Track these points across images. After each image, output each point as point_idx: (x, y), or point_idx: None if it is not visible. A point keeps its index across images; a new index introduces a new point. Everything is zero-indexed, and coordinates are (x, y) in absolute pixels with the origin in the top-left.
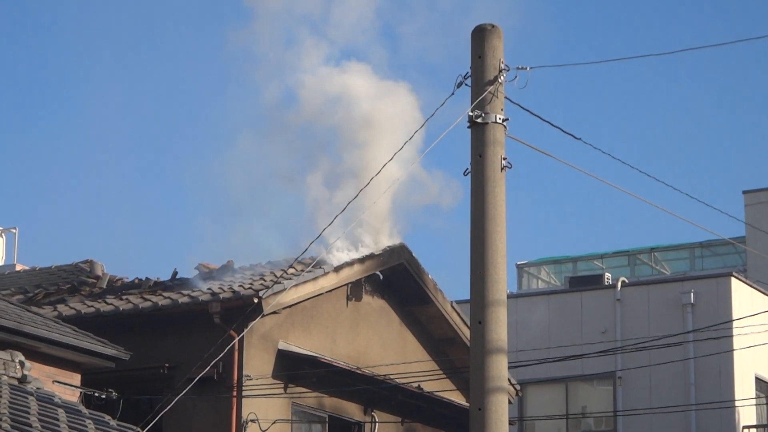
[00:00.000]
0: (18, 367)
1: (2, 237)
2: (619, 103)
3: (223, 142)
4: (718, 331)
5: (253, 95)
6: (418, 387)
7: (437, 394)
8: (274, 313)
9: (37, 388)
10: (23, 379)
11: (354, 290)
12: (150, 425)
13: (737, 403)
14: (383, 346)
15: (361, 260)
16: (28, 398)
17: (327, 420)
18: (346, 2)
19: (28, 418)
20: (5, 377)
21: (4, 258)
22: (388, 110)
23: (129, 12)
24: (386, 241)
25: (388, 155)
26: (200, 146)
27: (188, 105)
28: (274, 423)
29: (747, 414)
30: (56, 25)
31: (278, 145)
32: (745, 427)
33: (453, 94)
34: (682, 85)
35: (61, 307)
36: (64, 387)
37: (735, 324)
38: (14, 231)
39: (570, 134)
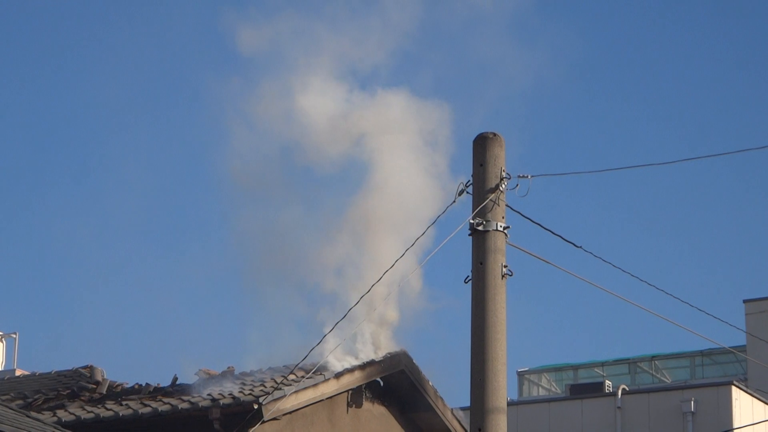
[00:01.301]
0: None
1: (2, 342)
2: (621, 210)
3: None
4: None
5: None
6: None
7: None
8: (274, 419)
9: None
10: None
11: (354, 397)
12: None
13: None
14: None
15: (362, 367)
16: None
17: None
18: None
19: None
20: None
21: (3, 363)
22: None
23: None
24: (386, 347)
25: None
26: (203, 243)
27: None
28: None
29: None
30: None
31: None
32: None
33: (455, 201)
34: (683, 192)
35: (60, 413)
36: None
37: None
38: (14, 336)
39: (571, 242)
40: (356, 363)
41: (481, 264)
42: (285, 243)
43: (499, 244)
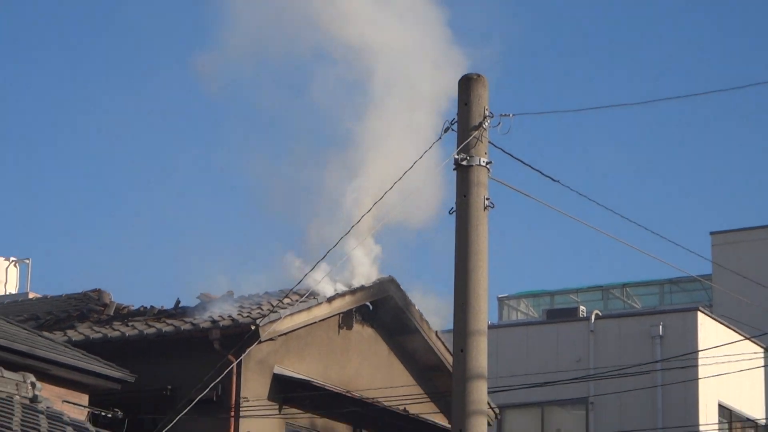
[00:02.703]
0: (29, 387)
1: (17, 267)
2: (598, 147)
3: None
4: (685, 361)
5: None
6: (404, 410)
7: (422, 416)
8: (270, 339)
9: (47, 408)
10: (34, 399)
11: (345, 320)
12: None
13: (701, 428)
14: (372, 371)
15: (352, 292)
16: (38, 416)
17: None
18: None
19: None
20: (17, 397)
21: (18, 287)
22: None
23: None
24: (375, 274)
25: None
26: (206, 178)
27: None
28: None
29: None
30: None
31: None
32: None
33: (440, 138)
34: (655, 129)
35: (70, 333)
36: (72, 406)
37: (700, 355)
38: (27, 261)
39: (549, 176)
40: (347, 288)
41: (465, 197)
42: (285, 175)
43: (481, 178)
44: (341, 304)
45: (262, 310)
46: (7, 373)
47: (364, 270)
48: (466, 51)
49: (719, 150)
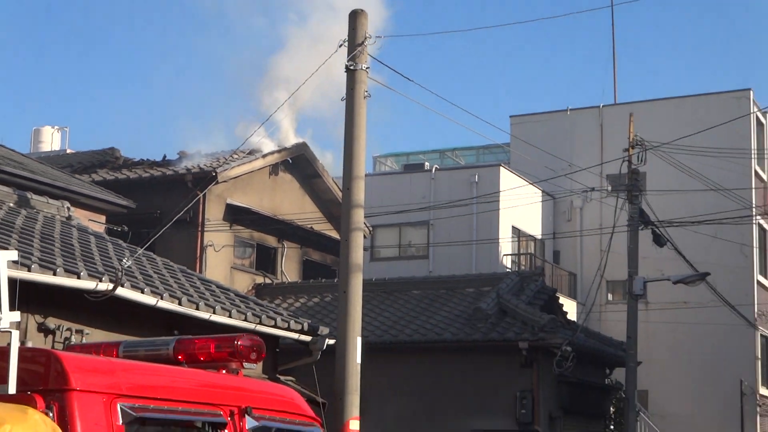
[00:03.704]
0: (66, 210)
1: (59, 132)
2: (440, 51)
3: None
4: (490, 198)
5: None
6: (311, 228)
7: (322, 231)
8: (224, 181)
9: (78, 223)
10: (69, 218)
11: (274, 169)
12: (146, 245)
13: (500, 241)
14: (290, 203)
15: (279, 151)
16: (71, 229)
17: (255, 246)
18: None
19: (71, 240)
20: (58, 216)
21: (60, 146)
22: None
23: None
24: (294, 138)
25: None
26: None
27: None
28: (223, 247)
29: (506, 247)
30: None
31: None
32: (504, 255)
33: (336, 51)
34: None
35: (94, 176)
36: (94, 223)
37: (501, 195)
38: (66, 129)
39: (403, 75)
40: (276, 148)
41: (351, 90)
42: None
43: (362, 78)
44: (272, 159)
45: (219, 162)
46: (51, 201)
47: (289, 136)
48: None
49: (524, 41)
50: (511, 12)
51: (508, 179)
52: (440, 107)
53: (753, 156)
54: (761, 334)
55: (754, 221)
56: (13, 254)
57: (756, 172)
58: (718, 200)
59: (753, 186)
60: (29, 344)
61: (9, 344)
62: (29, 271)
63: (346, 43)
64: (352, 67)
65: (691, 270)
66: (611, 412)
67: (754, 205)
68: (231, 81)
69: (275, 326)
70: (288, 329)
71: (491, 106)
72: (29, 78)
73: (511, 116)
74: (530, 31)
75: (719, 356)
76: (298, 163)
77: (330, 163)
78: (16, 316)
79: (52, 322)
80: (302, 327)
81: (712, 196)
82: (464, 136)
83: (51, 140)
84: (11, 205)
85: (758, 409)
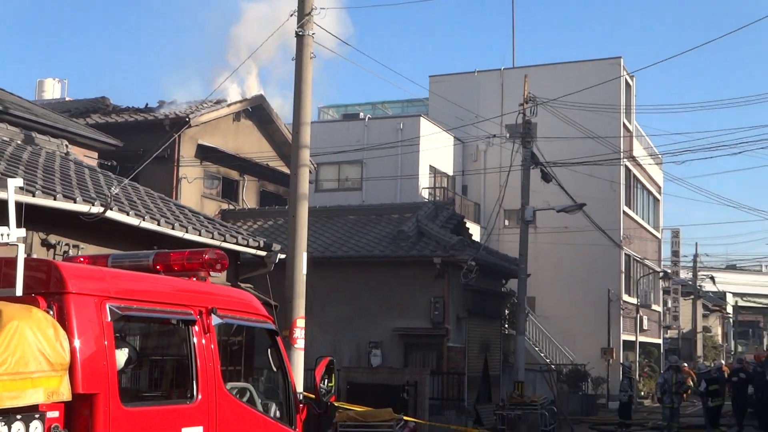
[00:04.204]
0: (64, 147)
1: (59, 83)
2: (376, 21)
3: None
4: (412, 141)
5: None
6: (267, 164)
7: (276, 167)
8: (196, 126)
9: (75, 158)
10: (67, 154)
11: (236, 116)
12: (131, 177)
13: (420, 177)
14: (251, 143)
15: (242, 101)
16: (69, 163)
17: (221, 179)
18: None
19: (69, 173)
20: (58, 152)
21: (60, 95)
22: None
23: None
24: (255, 90)
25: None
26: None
27: None
28: (194, 179)
29: (424, 182)
30: None
31: None
32: (423, 188)
33: (288, 20)
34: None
35: (88, 119)
36: (88, 158)
37: (421, 140)
38: (65, 81)
39: (342, 40)
40: (239, 98)
41: (300, 52)
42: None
43: (309, 42)
44: (235, 108)
45: (192, 109)
46: (52, 139)
47: (253, 88)
48: None
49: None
50: None
51: (426, 127)
52: (373, 68)
53: (622, 111)
54: (625, 253)
55: (621, 163)
56: (19, 181)
57: (624, 124)
58: (593, 146)
59: (621, 135)
60: (33, 256)
61: (16, 255)
62: (33, 196)
63: (296, 14)
64: (300, 33)
65: (571, 201)
66: (506, 314)
67: (621, 150)
68: (209, 40)
69: (237, 243)
70: (247, 246)
71: (414, 66)
72: (33, 34)
73: (430, 76)
74: (451, 4)
75: (592, 270)
76: (257, 112)
77: (285, 112)
78: (22, 232)
79: (53, 239)
80: (259, 244)
81: (589, 143)
82: (392, 92)
83: (52, 90)
84: (18, 142)
85: (621, 311)
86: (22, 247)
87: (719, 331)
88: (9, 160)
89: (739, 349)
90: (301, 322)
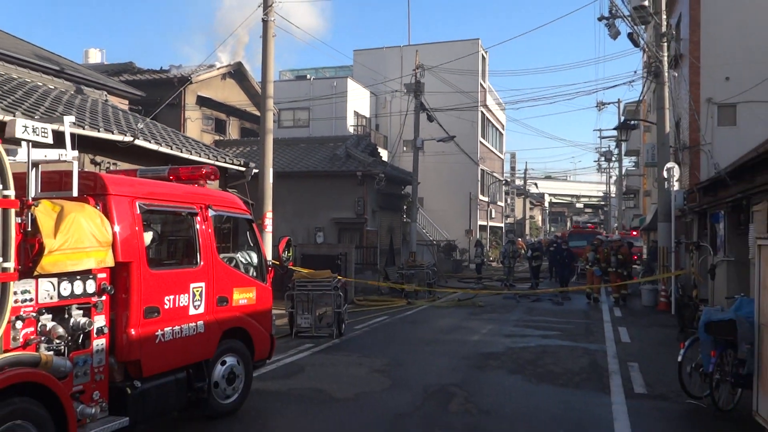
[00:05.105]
0: (104, 96)
1: (100, 52)
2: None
3: None
4: (342, 94)
5: None
6: (245, 109)
7: (251, 111)
8: (196, 83)
9: (111, 104)
10: (106, 101)
11: (224, 76)
12: (152, 117)
13: (347, 118)
14: (234, 95)
15: (228, 66)
16: (108, 107)
17: (214, 119)
18: None
19: (108, 114)
20: (100, 100)
21: (100, 60)
22: None
23: None
24: (239, 57)
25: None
26: None
27: None
28: (196, 119)
29: (351, 121)
30: None
31: None
32: (350, 125)
33: (257, 9)
34: None
35: (120, 78)
36: (121, 104)
37: (348, 93)
38: (104, 51)
39: (292, 23)
40: (226, 64)
41: (266, 32)
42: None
43: (272, 25)
44: (223, 70)
45: (193, 71)
46: (95, 91)
47: (238, 55)
48: None
49: None
50: None
51: (352, 85)
52: (316, 44)
53: (479, 74)
54: (481, 168)
55: (478, 109)
56: (72, 118)
57: (480, 83)
58: (461, 98)
59: (479, 90)
60: (85, 170)
61: (73, 169)
62: (84, 129)
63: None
64: (265, 19)
65: (445, 134)
66: (404, 209)
67: (479, 101)
68: (205, 18)
69: (225, 162)
70: (232, 164)
71: (346, 41)
72: (77, 12)
73: (354, 50)
74: None
75: (460, 180)
76: (238, 73)
77: (257, 74)
78: (76, 153)
79: (98, 159)
80: (241, 163)
81: (458, 96)
82: (329, 60)
83: (95, 56)
84: (72, 92)
85: (478, 206)
86: (76, 163)
87: (540, 218)
88: (65, 104)
89: (552, 229)
90: (269, 215)
